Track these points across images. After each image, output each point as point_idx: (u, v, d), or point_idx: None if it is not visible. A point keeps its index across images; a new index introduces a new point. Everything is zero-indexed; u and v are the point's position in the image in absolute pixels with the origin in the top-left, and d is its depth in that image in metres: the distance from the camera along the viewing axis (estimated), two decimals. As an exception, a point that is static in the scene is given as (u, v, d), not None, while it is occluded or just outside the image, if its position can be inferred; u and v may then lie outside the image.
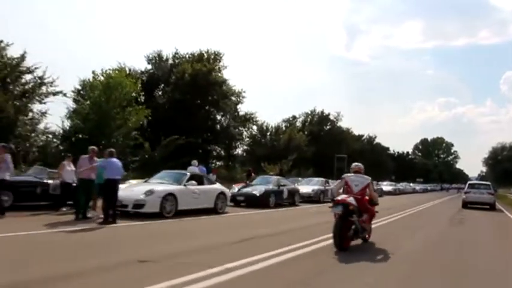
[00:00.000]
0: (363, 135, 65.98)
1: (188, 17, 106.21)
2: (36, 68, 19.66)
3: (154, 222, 9.51)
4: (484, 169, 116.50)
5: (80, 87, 22.89)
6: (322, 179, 22.92)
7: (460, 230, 12.22)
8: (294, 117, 54.74)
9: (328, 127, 54.84)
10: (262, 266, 5.49)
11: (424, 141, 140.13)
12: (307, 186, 21.14)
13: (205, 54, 31.29)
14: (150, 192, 10.23)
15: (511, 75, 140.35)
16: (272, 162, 40.19)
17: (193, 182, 11.48)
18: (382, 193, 33.45)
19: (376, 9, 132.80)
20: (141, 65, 30.53)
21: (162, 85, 28.94)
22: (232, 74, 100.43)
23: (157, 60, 30.79)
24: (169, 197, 10.45)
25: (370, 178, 7.72)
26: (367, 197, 7.52)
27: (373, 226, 8.26)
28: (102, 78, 22.18)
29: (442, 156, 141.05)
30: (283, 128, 49.92)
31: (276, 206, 16.03)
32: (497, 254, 8.21)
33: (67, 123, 20.76)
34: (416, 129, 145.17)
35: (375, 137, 67.57)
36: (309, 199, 19.88)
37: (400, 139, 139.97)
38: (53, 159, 17.14)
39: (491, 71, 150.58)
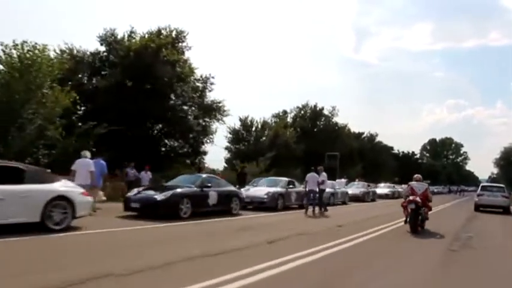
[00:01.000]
0: (363, 133, 60.71)
1: (188, 17, 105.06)
2: None
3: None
4: (495, 171, 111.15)
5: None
6: (286, 179, 17.65)
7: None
8: (285, 112, 49.78)
9: (322, 123, 49.58)
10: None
11: (432, 142, 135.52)
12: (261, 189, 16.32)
13: (164, 32, 26.42)
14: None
15: None
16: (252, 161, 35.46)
17: None
18: (375, 196, 28.32)
19: (385, 11, 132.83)
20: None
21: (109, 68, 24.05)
22: (242, 76, 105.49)
23: (111, 40, 25.93)
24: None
25: (427, 184, 12.14)
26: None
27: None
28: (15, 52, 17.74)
29: (451, 157, 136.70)
30: (272, 124, 44.96)
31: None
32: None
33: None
34: (425, 131, 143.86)
35: (376, 135, 62.35)
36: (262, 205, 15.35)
37: (409, 141, 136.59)
38: None
39: (501, 73, 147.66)
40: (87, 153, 11.68)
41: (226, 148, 43.47)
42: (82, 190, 8.68)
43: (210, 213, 11.71)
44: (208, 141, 29.54)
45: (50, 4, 75.19)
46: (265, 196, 14.98)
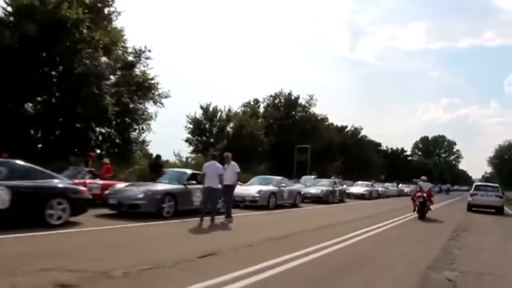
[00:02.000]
0: (346, 127, 55.35)
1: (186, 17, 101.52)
2: None
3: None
4: (489, 169, 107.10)
5: None
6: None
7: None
8: (257, 101, 44.34)
9: (299, 114, 44.25)
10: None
11: (424, 139, 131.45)
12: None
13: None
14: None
15: None
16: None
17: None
18: (344, 197, 23.04)
19: (380, 10, 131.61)
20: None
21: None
22: (240, 76, 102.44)
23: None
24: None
25: (431, 184, 16.49)
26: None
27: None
28: None
29: (443, 155, 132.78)
30: (241, 113, 39.53)
31: None
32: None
33: None
34: (420, 130, 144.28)
35: (361, 129, 56.88)
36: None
37: (403, 140, 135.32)
38: None
39: (496, 73, 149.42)
40: None
41: (187, 140, 38.10)
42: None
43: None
44: (144, 128, 24.17)
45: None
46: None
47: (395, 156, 76.23)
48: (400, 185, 44.63)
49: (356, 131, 55.47)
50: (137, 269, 4.82)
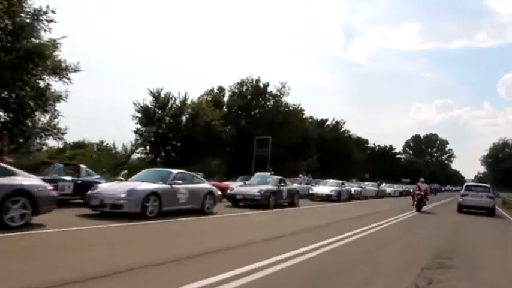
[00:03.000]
0: (326, 120, 50.09)
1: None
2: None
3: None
4: (483, 169, 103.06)
5: None
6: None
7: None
8: (221, 89, 39.05)
9: (270, 103, 39.04)
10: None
11: (416, 138, 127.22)
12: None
13: None
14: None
15: (509, 78, 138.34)
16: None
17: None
18: (296, 199, 17.75)
19: (373, 10, 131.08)
20: None
21: None
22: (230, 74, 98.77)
23: None
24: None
25: (427, 185, 22.43)
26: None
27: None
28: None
29: (435, 154, 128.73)
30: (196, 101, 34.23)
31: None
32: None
33: None
34: (413, 130, 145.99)
35: (343, 123, 51.54)
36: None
37: (396, 140, 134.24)
38: None
39: (488, 74, 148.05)
40: None
41: (137, 131, 32.82)
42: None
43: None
44: (47, 110, 18.98)
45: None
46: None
47: (384, 154, 71.34)
48: (383, 185, 39.43)
49: (337, 125, 50.17)
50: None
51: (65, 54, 19.32)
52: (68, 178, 11.52)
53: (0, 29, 16.82)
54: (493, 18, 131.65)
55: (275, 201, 15.09)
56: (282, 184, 16.28)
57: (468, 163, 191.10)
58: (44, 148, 22.52)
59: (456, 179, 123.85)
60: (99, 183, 10.93)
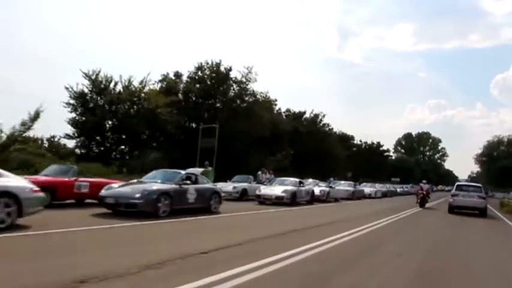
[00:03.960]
0: (304, 112, 44.88)
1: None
2: None
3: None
4: (476, 168, 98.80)
5: None
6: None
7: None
8: (178, 75, 33.86)
9: (233, 91, 33.99)
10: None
11: (407, 136, 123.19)
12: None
13: None
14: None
15: (501, 78, 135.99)
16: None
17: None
18: (216, 204, 12.63)
19: (367, 11, 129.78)
20: None
21: None
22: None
23: None
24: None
25: (429, 185, 28.06)
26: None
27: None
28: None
29: (428, 153, 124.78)
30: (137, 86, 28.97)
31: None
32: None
33: None
34: (406, 130, 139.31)
35: (323, 116, 46.13)
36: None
37: (390, 140, 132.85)
38: None
39: (482, 75, 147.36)
40: None
41: (70, 121, 27.65)
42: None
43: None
44: None
45: None
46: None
47: (371, 151, 66.45)
48: (363, 184, 34.50)
49: (316, 118, 44.91)
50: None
51: None
52: None
53: None
54: (486, 19, 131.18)
55: (169, 206, 10.48)
56: (188, 182, 11.61)
57: (462, 163, 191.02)
58: None
59: (449, 178, 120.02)
60: None
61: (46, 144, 30.46)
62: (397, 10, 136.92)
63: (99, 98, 27.69)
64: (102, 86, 27.63)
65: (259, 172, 24.59)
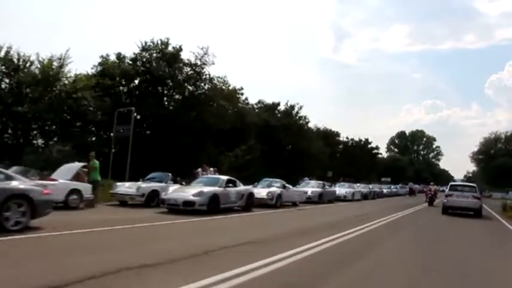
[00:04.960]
0: (278, 104, 39.46)
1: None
2: None
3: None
4: (472, 167, 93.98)
5: None
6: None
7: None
8: (121, 57, 28.48)
9: (185, 74, 28.68)
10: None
11: (401, 135, 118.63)
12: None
13: None
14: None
15: (496, 79, 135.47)
16: None
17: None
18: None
19: (362, 13, 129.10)
20: None
21: None
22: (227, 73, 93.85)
23: None
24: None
25: (436, 186, 34.00)
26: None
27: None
28: None
29: (422, 152, 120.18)
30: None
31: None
32: None
33: None
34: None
35: (300, 108, 40.56)
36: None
37: (385, 142, 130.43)
38: None
39: (476, 75, 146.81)
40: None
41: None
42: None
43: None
44: None
45: None
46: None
47: (359, 149, 61.21)
48: (339, 184, 29.22)
49: (291, 111, 39.22)
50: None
51: None
52: None
53: None
54: (481, 20, 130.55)
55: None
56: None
57: (457, 163, 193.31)
58: None
59: (444, 178, 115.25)
60: None
61: None
62: (392, 12, 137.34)
63: (8, 81, 22.39)
64: (11, 64, 22.30)
65: (199, 169, 19.47)
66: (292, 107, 39.48)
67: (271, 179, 19.08)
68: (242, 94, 34.09)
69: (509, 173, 68.17)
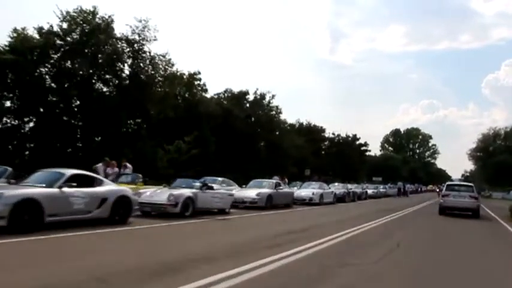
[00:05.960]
0: (246, 92, 34.11)
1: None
2: None
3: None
4: (470, 165, 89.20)
5: None
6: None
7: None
8: (52, 33, 23.21)
9: (111, 47, 23.46)
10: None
11: (396, 133, 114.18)
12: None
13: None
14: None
15: (493, 78, 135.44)
16: None
17: None
18: None
19: (358, 13, 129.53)
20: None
21: None
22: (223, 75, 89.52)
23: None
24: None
25: (441, 187, 33.84)
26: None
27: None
28: None
29: (418, 151, 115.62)
30: None
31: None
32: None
33: None
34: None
35: (272, 97, 35.30)
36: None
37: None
38: None
39: (473, 75, 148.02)
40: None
41: None
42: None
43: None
44: None
45: None
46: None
47: (347, 146, 56.14)
48: (306, 184, 23.97)
49: (261, 100, 33.78)
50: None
51: None
52: None
53: None
54: (476, 20, 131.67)
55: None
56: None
57: (455, 162, 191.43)
58: None
59: (441, 178, 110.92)
60: None
61: None
62: (388, 12, 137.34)
63: None
64: None
65: (99, 164, 14.52)
66: (263, 96, 34.23)
67: (190, 180, 13.83)
68: (200, 80, 28.95)
69: (509, 170, 63.53)
